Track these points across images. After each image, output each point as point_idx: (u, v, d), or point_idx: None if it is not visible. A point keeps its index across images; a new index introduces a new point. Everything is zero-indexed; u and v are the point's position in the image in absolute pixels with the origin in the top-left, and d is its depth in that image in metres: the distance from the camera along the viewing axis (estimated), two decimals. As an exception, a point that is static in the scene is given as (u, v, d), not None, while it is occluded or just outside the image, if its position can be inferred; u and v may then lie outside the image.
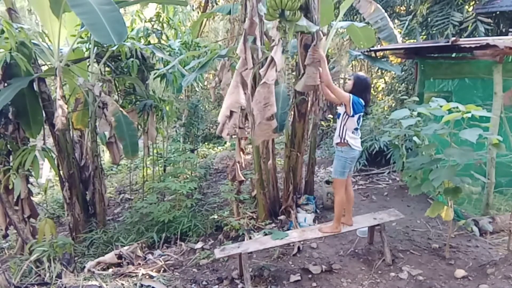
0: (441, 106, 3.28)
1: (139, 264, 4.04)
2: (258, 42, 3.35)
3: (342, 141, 3.46)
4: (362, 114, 3.51)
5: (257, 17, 3.23)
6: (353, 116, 3.42)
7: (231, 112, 3.23)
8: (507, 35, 6.23)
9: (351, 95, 3.42)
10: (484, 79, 5.00)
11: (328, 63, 5.56)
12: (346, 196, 3.68)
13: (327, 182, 5.37)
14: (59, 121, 4.16)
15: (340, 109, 3.54)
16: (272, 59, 3.30)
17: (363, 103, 3.45)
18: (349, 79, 3.69)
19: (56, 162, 4.99)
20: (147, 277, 3.62)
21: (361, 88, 3.49)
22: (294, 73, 3.96)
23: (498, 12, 6.61)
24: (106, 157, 8.71)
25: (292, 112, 4.64)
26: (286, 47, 3.71)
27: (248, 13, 3.27)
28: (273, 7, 3.33)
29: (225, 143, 10.96)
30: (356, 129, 3.48)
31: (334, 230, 3.65)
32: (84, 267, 3.97)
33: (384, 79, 9.98)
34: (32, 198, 5.01)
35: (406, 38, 7.65)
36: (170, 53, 5.74)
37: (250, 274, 3.37)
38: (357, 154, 3.53)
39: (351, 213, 3.77)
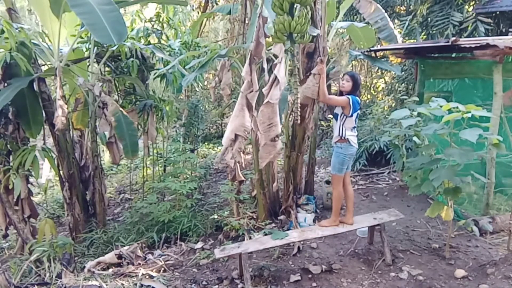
0: (441, 106, 3.28)
1: (139, 264, 4.04)
2: (265, 65, 3.23)
3: (342, 138, 3.54)
4: (358, 111, 3.58)
5: (263, 38, 3.08)
6: (351, 116, 3.49)
7: (236, 136, 3.11)
8: (507, 35, 6.23)
9: (349, 96, 3.46)
10: (484, 79, 5.00)
11: (328, 63, 5.58)
12: (345, 193, 3.75)
13: (327, 182, 5.37)
14: (59, 121, 4.16)
15: (337, 110, 3.60)
16: (276, 77, 3.14)
17: (359, 100, 3.54)
18: (342, 80, 3.62)
19: (56, 162, 4.98)
20: (147, 277, 3.62)
21: (357, 86, 3.56)
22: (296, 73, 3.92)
23: (498, 12, 6.61)
24: (106, 157, 8.70)
25: (293, 115, 4.63)
26: (295, 70, 3.60)
27: (254, 34, 3.10)
28: (281, 31, 3.15)
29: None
30: (354, 127, 3.56)
31: (332, 223, 3.71)
32: (84, 267, 3.97)
33: (384, 79, 9.98)
34: (32, 198, 5.00)
35: (406, 38, 7.65)
36: (170, 53, 5.74)
37: (250, 274, 3.37)
38: (354, 150, 3.61)
39: (352, 212, 3.78)
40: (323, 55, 3.52)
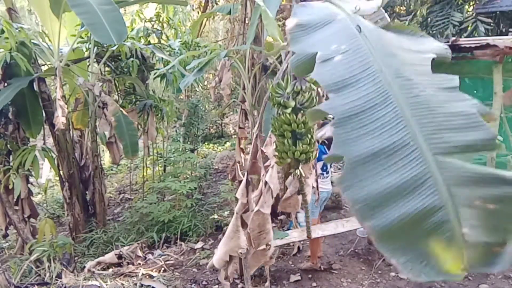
0: (441, 106, 3.27)
1: (139, 264, 4.04)
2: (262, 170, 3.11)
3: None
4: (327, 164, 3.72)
5: (261, 161, 2.88)
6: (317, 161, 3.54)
7: (231, 257, 2.99)
8: (507, 35, 6.23)
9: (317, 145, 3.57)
10: (484, 79, 5.00)
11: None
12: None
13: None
14: (59, 121, 4.15)
15: None
16: (266, 183, 2.82)
17: (327, 151, 3.59)
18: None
19: (56, 162, 4.98)
20: (147, 277, 3.62)
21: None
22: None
23: (498, 12, 6.61)
24: (106, 157, 8.70)
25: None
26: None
27: (251, 153, 2.87)
28: (284, 157, 2.92)
29: (225, 143, 10.96)
30: (321, 174, 3.68)
31: (313, 266, 3.76)
32: (84, 267, 3.97)
33: (384, 79, 9.97)
34: (32, 198, 5.00)
35: (406, 38, 7.64)
36: (170, 53, 5.74)
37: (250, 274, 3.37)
38: (324, 195, 3.78)
39: (316, 255, 3.84)
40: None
